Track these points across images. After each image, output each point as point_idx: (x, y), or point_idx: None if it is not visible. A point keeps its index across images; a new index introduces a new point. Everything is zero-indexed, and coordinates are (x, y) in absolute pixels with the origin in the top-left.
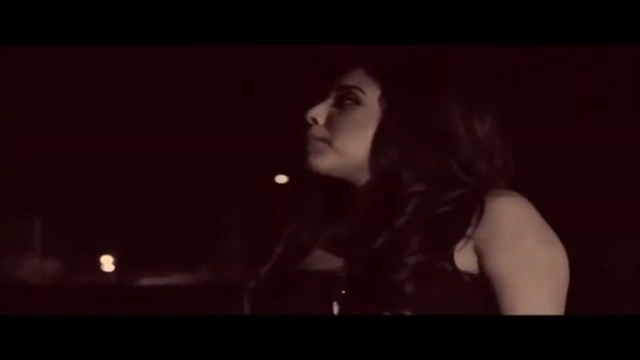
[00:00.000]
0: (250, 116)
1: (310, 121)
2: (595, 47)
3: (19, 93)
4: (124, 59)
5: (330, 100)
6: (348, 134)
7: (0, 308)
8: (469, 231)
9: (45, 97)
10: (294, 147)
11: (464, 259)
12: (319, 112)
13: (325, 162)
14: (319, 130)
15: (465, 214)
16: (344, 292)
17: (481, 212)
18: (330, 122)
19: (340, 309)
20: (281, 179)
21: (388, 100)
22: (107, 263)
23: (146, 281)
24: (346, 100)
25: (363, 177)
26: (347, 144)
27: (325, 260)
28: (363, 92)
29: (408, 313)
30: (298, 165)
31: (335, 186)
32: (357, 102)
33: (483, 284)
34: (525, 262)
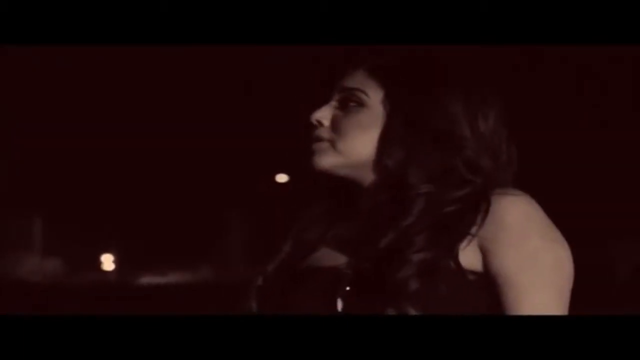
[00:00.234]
0: (252, 116)
1: (315, 123)
2: (595, 47)
3: (19, 93)
4: (124, 59)
5: (334, 103)
6: (352, 135)
7: (0, 306)
8: (474, 230)
9: (45, 97)
10: (298, 146)
11: (469, 257)
12: (324, 114)
13: (328, 160)
14: (323, 132)
15: (470, 213)
16: (348, 288)
17: (486, 211)
18: (334, 124)
19: (345, 306)
20: (286, 178)
21: (391, 102)
22: (108, 262)
23: (147, 280)
24: (350, 103)
25: (369, 177)
26: (350, 146)
27: (331, 258)
28: (366, 94)
29: (412, 310)
30: (303, 165)
31: (342, 186)
32: (361, 104)
33: (487, 283)
34: (530, 261)
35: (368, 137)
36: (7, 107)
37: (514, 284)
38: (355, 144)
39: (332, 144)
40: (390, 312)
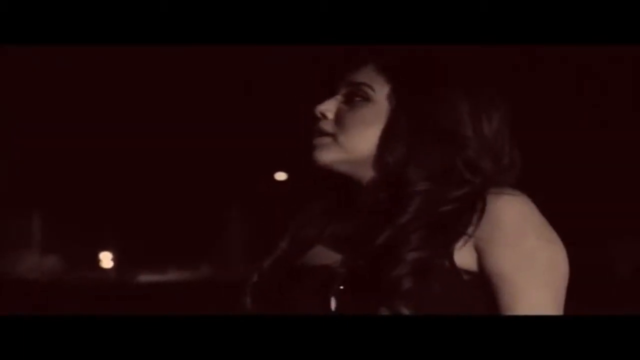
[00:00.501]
0: (251, 116)
1: (319, 115)
2: (595, 47)
3: (19, 93)
4: (124, 59)
5: (339, 97)
6: (354, 130)
7: (0, 304)
8: (470, 230)
9: (45, 97)
10: (297, 145)
11: (464, 257)
12: (329, 107)
13: (329, 155)
14: (326, 125)
15: (466, 213)
16: (342, 287)
17: (482, 210)
18: (338, 118)
19: (339, 304)
20: (284, 176)
21: (397, 98)
22: (107, 260)
23: (146, 278)
24: (355, 97)
25: (368, 174)
26: (352, 141)
27: (326, 256)
28: (372, 89)
29: (405, 309)
30: (302, 163)
31: (341, 183)
32: (366, 99)
33: (482, 283)
34: (526, 261)
35: (371, 132)
36: (7, 107)
37: (509, 284)
38: (358, 139)
39: (335, 138)
40: (384, 310)
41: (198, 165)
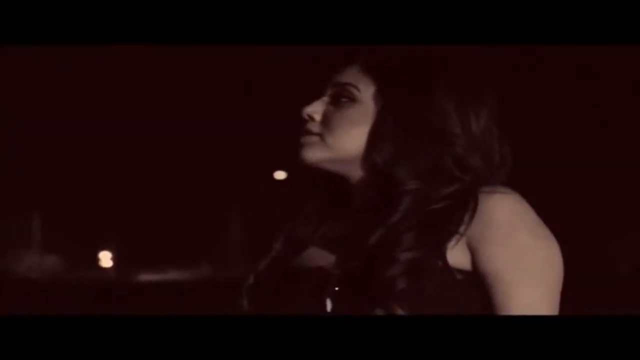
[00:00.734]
0: (250, 116)
1: (306, 117)
2: (595, 47)
3: (19, 93)
4: (124, 59)
5: (326, 98)
6: (341, 130)
7: (0, 303)
8: (462, 229)
9: (45, 97)
10: (293, 146)
11: (457, 256)
12: (315, 109)
13: (315, 154)
14: (314, 126)
15: (458, 211)
16: (337, 289)
17: (474, 209)
18: (325, 119)
19: (334, 306)
20: (279, 176)
21: (383, 97)
22: (106, 259)
23: (146, 278)
24: (341, 98)
25: (358, 174)
26: (339, 140)
27: (320, 257)
28: (358, 90)
29: (400, 309)
30: (296, 163)
31: (333, 182)
32: (352, 99)
33: (476, 282)
34: (518, 258)
35: (358, 132)
36: (7, 107)
37: (502, 282)
38: (344, 139)
39: (322, 138)
40: (378, 311)
41: (198, 165)
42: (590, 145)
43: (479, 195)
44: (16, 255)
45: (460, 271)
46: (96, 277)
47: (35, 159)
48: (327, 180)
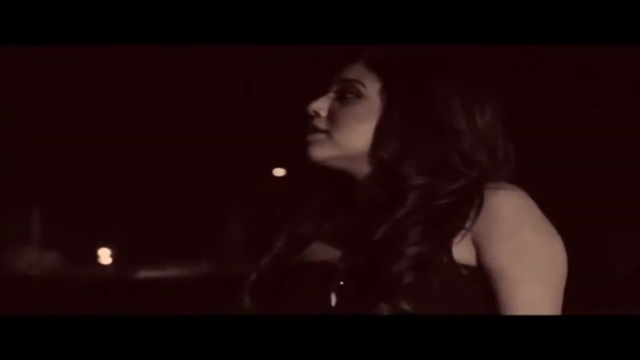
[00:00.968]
0: (250, 115)
1: (312, 113)
2: (595, 47)
3: (19, 93)
4: (124, 59)
5: (331, 94)
6: (348, 126)
7: (0, 300)
8: (468, 224)
9: (45, 97)
10: (295, 144)
11: (462, 252)
12: (321, 105)
13: (323, 152)
14: (320, 123)
15: (464, 207)
16: (342, 283)
17: (480, 205)
18: (331, 115)
19: (339, 301)
20: (281, 172)
21: (389, 93)
22: (106, 256)
23: (146, 275)
24: (347, 94)
25: (364, 170)
26: (346, 137)
27: (325, 252)
28: (364, 86)
29: (405, 304)
30: (299, 161)
31: (337, 179)
32: (358, 95)
33: (481, 277)
34: (523, 254)
35: (364, 128)
36: (7, 107)
37: (506, 279)
38: (351, 135)
39: (329, 135)
40: (384, 306)
41: (198, 165)
42: (590, 145)
43: (485, 191)
44: (16, 253)
45: (466, 267)
46: (96, 275)
47: (35, 158)
48: (330, 178)
